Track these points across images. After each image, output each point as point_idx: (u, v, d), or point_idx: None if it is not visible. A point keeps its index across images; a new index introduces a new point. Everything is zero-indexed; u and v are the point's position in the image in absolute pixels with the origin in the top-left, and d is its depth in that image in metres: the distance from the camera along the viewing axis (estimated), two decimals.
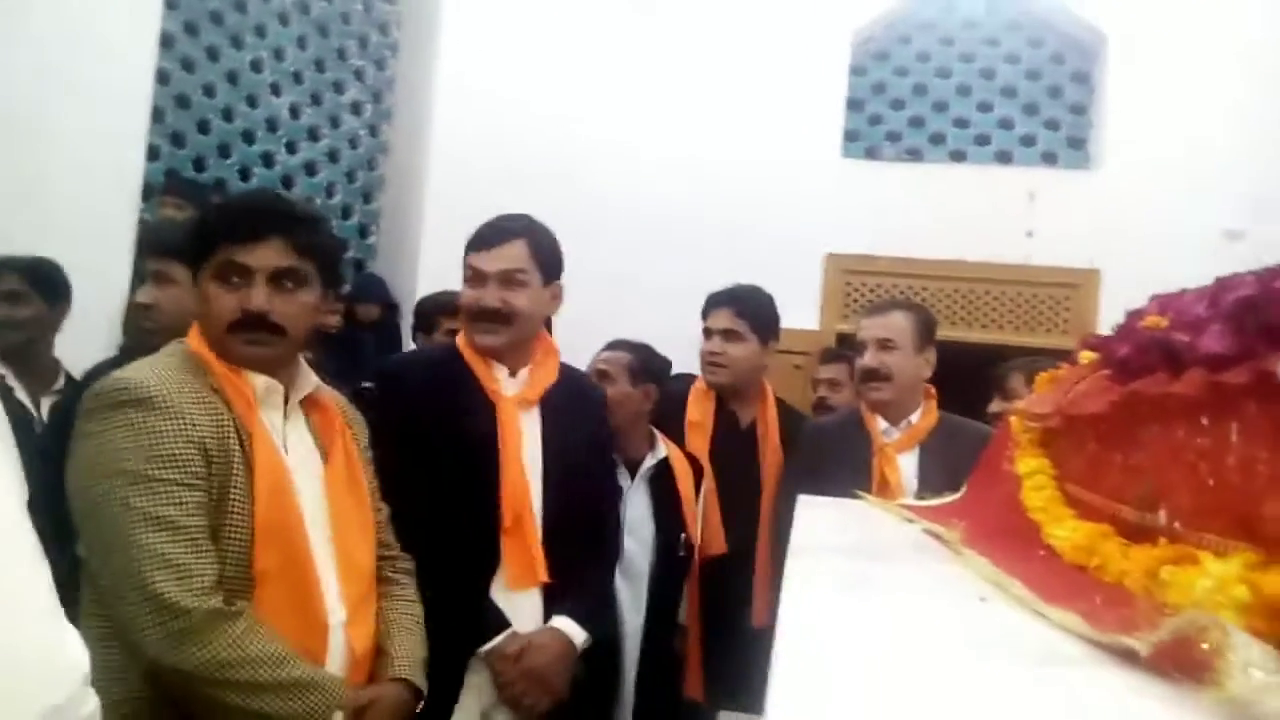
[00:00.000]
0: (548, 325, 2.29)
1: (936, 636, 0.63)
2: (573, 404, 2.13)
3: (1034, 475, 1.35)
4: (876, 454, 2.49)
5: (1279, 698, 0.44)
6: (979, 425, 2.57)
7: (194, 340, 1.57)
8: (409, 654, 1.65)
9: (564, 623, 1.98)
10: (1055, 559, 1.05)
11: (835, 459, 2.48)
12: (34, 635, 0.57)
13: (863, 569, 0.89)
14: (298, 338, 1.59)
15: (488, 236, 2.07)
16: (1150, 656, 0.53)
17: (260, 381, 1.54)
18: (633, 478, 2.58)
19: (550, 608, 2.00)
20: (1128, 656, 0.56)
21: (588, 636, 2.00)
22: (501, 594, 1.96)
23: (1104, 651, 0.58)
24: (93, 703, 0.61)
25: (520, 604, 1.97)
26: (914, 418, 2.54)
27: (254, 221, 1.56)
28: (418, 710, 1.63)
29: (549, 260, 2.10)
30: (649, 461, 2.60)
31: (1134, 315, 1.28)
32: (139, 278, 3.69)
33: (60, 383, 2.77)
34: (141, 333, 2.19)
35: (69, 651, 0.60)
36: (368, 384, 3.30)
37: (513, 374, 2.08)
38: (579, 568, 2.03)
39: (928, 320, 2.62)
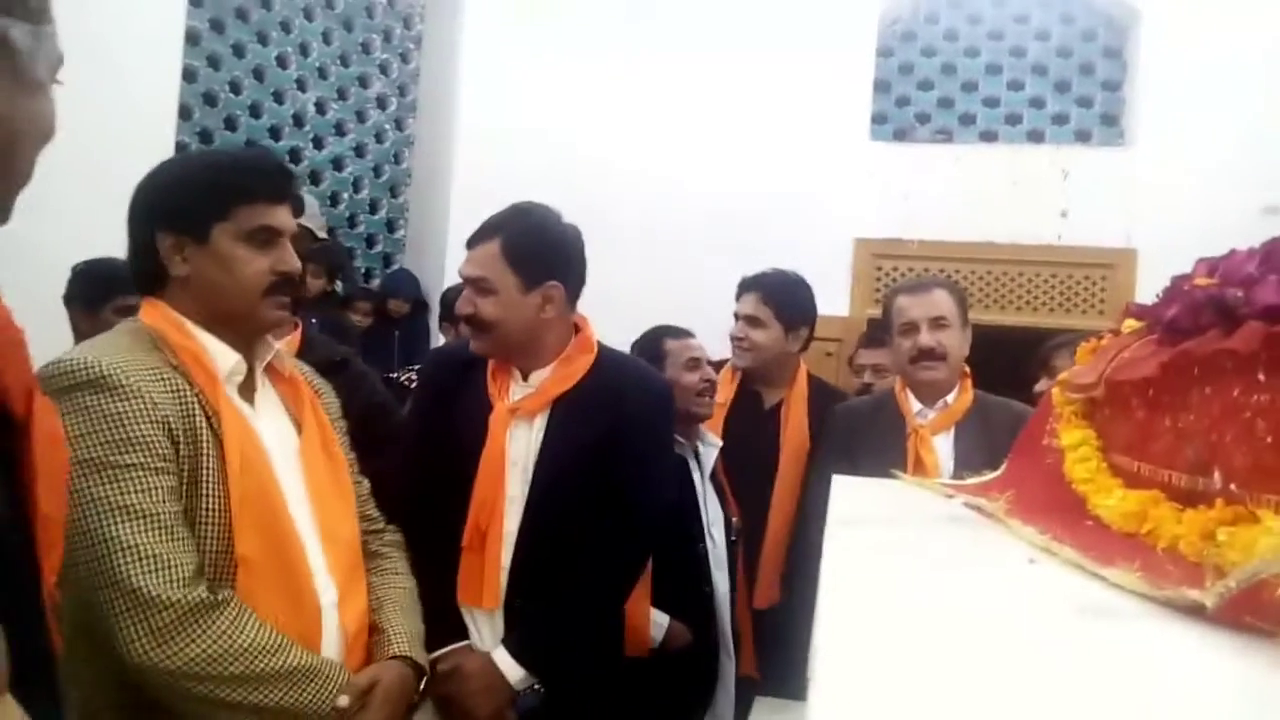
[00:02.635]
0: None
1: (987, 597, 0.60)
2: (600, 407, 1.90)
3: (1078, 447, 1.32)
4: (910, 435, 2.44)
5: None
6: (1015, 404, 2.52)
7: (152, 315, 1.44)
8: (406, 630, 1.56)
9: (501, 656, 1.81)
10: (1104, 528, 1.02)
11: (867, 441, 2.45)
12: None
13: (905, 537, 0.86)
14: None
15: (472, 235, 1.93)
16: (1217, 610, 0.50)
17: (226, 354, 1.43)
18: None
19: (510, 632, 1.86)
20: (1189, 611, 0.53)
21: (526, 675, 1.80)
22: (466, 609, 1.88)
23: (1161, 608, 0.56)
24: None
25: (481, 623, 1.87)
26: (950, 398, 2.48)
27: (282, 181, 1.51)
28: (421, 688, 1.56)
29: (530, 261, 1.88)
30: (712, 452, 2.62)
31: (1180, 279, 1.24)
32: None
33: None
34: None
35: None
36: (413, 368, 3.31)
37: (526, 378, 1.94)
38: (554, 599, 1.84)
39: (964, 297, 2.59)
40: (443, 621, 1.81)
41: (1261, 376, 0.83)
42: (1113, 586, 0.62)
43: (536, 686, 1.83)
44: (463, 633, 1.86)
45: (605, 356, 2.00)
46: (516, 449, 1.88)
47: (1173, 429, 1.03)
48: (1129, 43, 5.37)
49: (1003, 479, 1.61)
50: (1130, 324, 1.39)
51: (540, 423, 1.90)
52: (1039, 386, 2.85)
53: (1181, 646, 0.48)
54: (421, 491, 1.89)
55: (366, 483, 1.69)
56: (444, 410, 1.95)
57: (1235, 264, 1.07)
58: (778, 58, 5.29)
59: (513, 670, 1.80)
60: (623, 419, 1.91)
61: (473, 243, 1.92)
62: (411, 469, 1.94)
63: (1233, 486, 0.86)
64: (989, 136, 5.56)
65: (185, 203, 1.43)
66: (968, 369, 2.54)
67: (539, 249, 1.90)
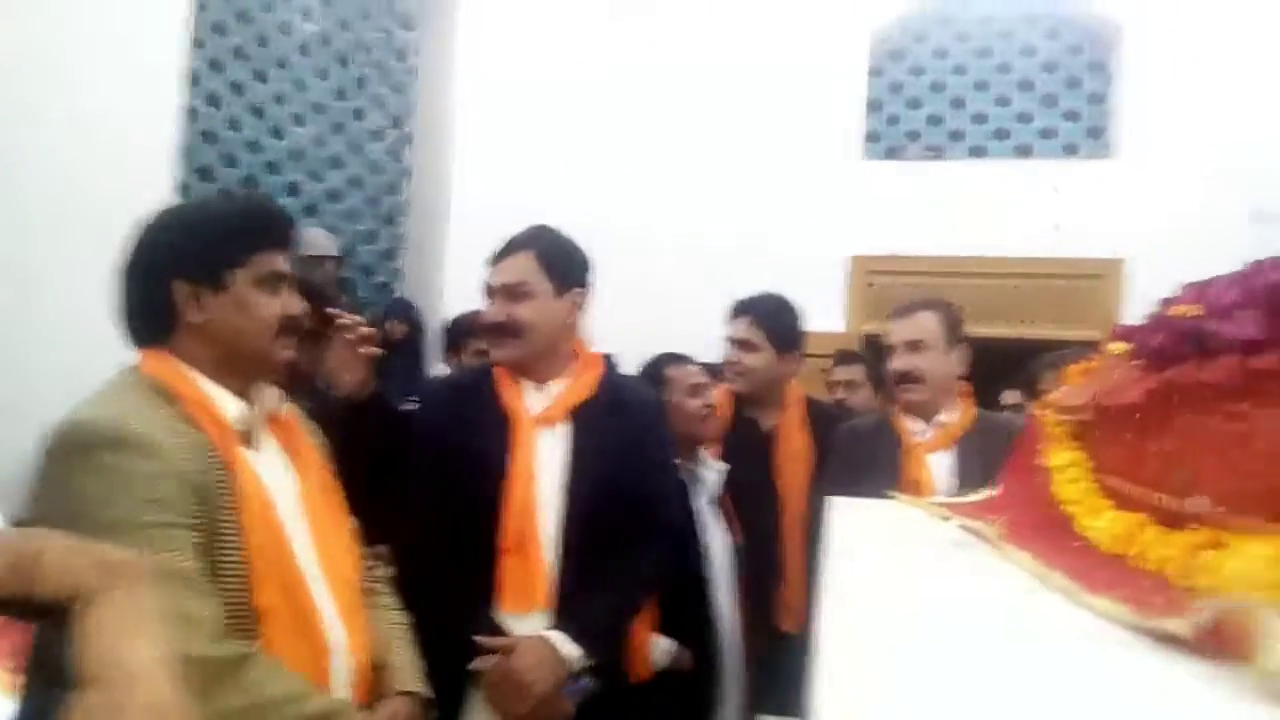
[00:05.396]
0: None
1: (986, 628, 0.64)
2: (614, 417, 2.03)
3: (1068, 468, 1.35)
4: (906, 454, 2.47)
5: None
6: (1017, 420, 2.54)
7: (155, 366, 1.43)
8: (410, 665, 1.61)
9: (555, 635, 1.87)
10: (1092, 550, 1.06)
11: (867, 461, 2.47)
12: None
13: (903, 566, 0.90)
14: None
15: (498, 252, 2.07)
16: (1193, 639, 0.54)
17: (232, 404, 1.45)
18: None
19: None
20: (1170, 640, 0.57)
21: (583, 654, 1.87)
22: (505, 617, 1.92)
23: (1145, 636, 0.60)
24: None
25: (523, 629, 1.90)
26: (944, 417, 2.51)
27: (289, 227, 1.55)
28: None
29: (563, 268, 2.05)
30: (717, 478, 2.64)
31: (1166, 303, 1.28)
32: None
33: None
34: None
35: None
36: (412, 400, 3.34)
37: (540, 389, 2.04)
38: (596, 591, 1.93)
39: (955, 318, 2.61)
40: (482, 631, 1.88)
41: (1239, 406, 0.87)
42: (1101, 616, 0.66)
43: (585, 678, 1.89)
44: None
45: (605, 370, 2.14)
46: (544, 456, 1.97)
47: (1159, 453, 1.07)
48: (1113, 56, 5.45)
49: (997, 500, 1.64)
50: (1118, 346, 1.43)
51: (563, 431, 2.00)
52: (1005, 398, 2.86)
53: (1168, 677, 0.52)
54: (445, 510, 1.95)
55: (355, 521, 1.69)
56: (458, 429, 2.01)
57: (1217, 291, 1.11)
58: (771, 79, 5.36)
59: (569, 649, 1.85)
60: (634, 428, 2.04)
61: (501, 255, 2.06)
62: (429, 490, 1.99)
63: (1216, 511, 0.90)
64: (979, 152, 5.62)
65: (202, 251, 1.44)
66: (967, 387, 2.57)
67: (569, 257, 2.08)
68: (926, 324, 2.52)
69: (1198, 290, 1.20)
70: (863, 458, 2.51)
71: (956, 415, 2.51)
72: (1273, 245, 0.93)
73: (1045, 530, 1.21)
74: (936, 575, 0.85)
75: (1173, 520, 0.97)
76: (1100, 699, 0.50)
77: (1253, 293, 0.91)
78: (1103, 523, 1.09)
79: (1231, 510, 0.87)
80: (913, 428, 2.52)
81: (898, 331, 2.55)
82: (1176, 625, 0.55)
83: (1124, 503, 1.16)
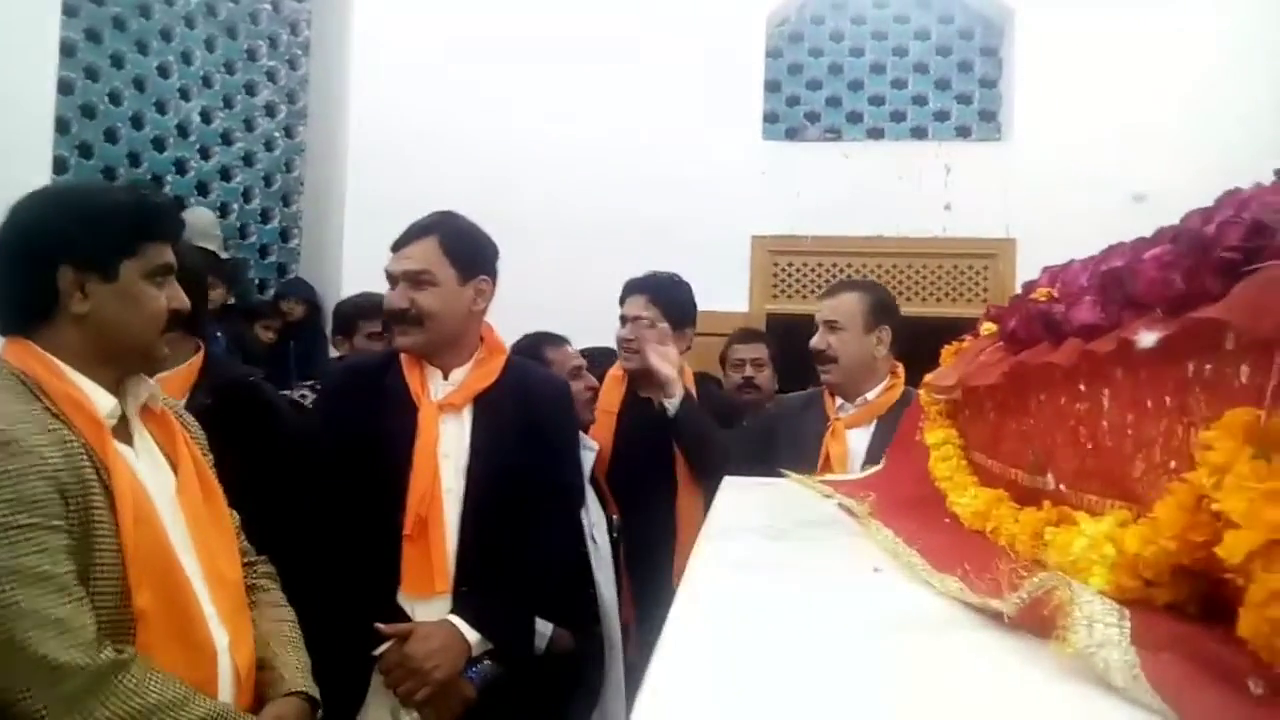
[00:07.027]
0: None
1: (824, 613, 0.66)
2: (516, 403, 2.03)
3: (942, 446, 1.40)
4: (827, 430, 2.54)
5: (1116, 651, 0.47)
6: None
7: (19, 356, 1.36)
8: (297, 664, 1.57)
9: (456, 620, 1.89)
10: (957, 526, 1.10)
11: (788, 436, 2.54)
12: None
13: (768, 548, 0.92)
14: None
15: (399, 238, 2.05)
16: (1013, 617, 0.56)
17: (104, 397, 1.38)
18: None
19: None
20: (997, 618, 0.59)
21: (482, 639, 1.89)
22: (407, 602, 1.92)
23: (978, 614, 0.62)
24: None
25: (426, 613, 1.91)
26: (871, 394, 2.57)
27: (178, 219, 1.52)
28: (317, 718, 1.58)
29: (466, 255, 2.03)
30: (590, 456, 2.64)
31: (1028, 286, 1.34)
32: None
33: None
34: None
35: None
36: (307, 384, 3.27)
37: (446, 376, 2.04)
38: (498, 575, 1.94)
39: (880, 300, 2.66)
40: (384, 616, 1.87)
41: (1081, 388, 0.91)
42: (941, 594, 0.68)
43: (487, 661, 1.90)
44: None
45: (510, 357, 2.15)
46: (447, 443, 1.97)
47: (1017, 431, 1.12)
48: (1004, 41, 5.60)
49: (879, 476, 1.69)
50: (989, 327, 1.49)
51: (466, 417, 2.00)
52: None
53: (982, 655, 0.54)
54: (347, 494, 1.93)
55: (237, 516, 1.65)
56: (361, 416, 1.99)
57: (1071, 276, 1.15)
58: (671, 61, 5.36)
59: (469, 633, 1.87)
60: (537, 414, 2.05)
61: (404, 242, 2.03)
62: (331, 474, 1.97)
63: (1062, 487, 0.94)
64: (876, 134, 5.73)
65: (94, 238, 1.38)
66: (897, 365, 2.63)
67: (474, 244, 2.07)
68: (847, 305, 2.59)
69: (1055, 274, 1.26)
70: (782, 432, 2.57)
71: (880, 393, 2.57)
72: (1149, 225, 0.96)
73: (917, 507, 1.25)
74: (795, 562, 0.87)
75: (1026, 496, 1.02)
76: (921, 679, 0.52)
77: (1095, 278, 0.95)
78: (966, 499, 1.13)
79: (1075, 486, 0.91)
80: (835, 404, 2.59)
81: (820, 310, 2.63)
82: (1001, 604, 0.58)
83: (987, 479, 1.20)
